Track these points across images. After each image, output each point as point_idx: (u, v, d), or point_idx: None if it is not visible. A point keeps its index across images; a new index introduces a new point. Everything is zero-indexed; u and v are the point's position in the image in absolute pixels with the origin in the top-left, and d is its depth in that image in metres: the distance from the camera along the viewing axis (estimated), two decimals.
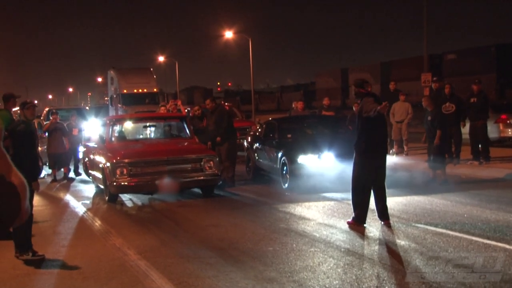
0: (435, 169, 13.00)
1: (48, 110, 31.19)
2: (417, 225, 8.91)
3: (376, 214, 9.09)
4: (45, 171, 17.91)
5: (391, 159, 9.88)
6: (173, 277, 6.77)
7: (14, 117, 10.85)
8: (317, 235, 8.58)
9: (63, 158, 17.01)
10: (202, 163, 12.52)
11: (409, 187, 12.27)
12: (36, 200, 13.73)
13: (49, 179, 17.10)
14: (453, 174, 13.72)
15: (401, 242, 7.95)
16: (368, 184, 8.92)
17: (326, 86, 55.30)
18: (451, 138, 14.75)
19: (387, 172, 9.22)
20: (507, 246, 7.40)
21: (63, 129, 17.07)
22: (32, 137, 8.44)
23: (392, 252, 7.52)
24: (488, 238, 7.82)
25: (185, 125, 14.46)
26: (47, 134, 17.17)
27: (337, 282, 6.34)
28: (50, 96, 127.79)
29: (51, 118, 17.71)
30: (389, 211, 9.12)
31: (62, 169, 17.39)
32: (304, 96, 55.11)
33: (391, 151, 16.87)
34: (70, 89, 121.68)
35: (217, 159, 12.89)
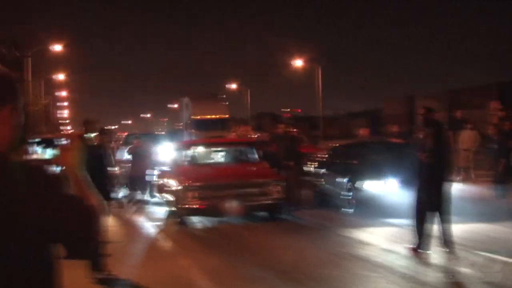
0: (500, 197, 12.89)
1: (128, 134, 32.42)
2: (481, 253, 8.90)
3: (440, 241, 9.15)
4: (123, 193, 18.62)
5: (457, 186, 9.89)
6: None
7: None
8: (380, 260, 8.72)
9: (143, 180, 17.65)
10: (269, 187, 12.83)
11: (474, 215, 12.20)
12: (111, 220, 14.32)
13: (125, 201, 17.74)
14: None
15: (465, 270, 7.99)
16: (428, 211, 8.99)
17: (393, 112, 54.78)
18: None
19: (453, 199, 9.26)
20: None
21: (145, 153, 17.80)
22: (104, 160, 9.05)
23: (455, 280, 7.58)
24: None
25: (254, 150, 14.84)
26: (131, 156, 17.91)
27: None
28: (129, 122, 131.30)
29: (134, 142, 18.55)
30: (454, 238, 9.15)
31: (140, 191, 18.07)
32: (372, 122, 54.72)
33: (457, 178, 16.75)
34: (148, 115, 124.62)
35: (285, 183, 13.16)
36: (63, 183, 2.32)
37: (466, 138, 17.66)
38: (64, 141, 2.51)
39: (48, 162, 2.53)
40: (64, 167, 2.44)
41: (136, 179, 17.58)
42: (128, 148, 18.82)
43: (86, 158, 2.57)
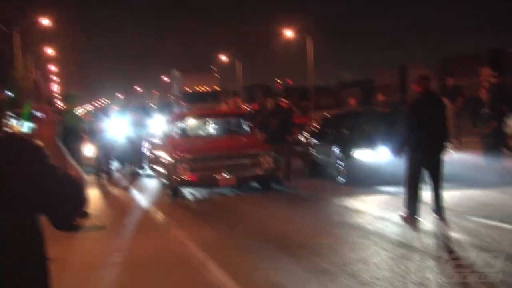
0: (491, 163, 12.94)
1: (116, 108, 32.29)
2: (471, 218, 8.95)
3: (431, 207, 9.19)
4: (115, 165, 18.64)
5: (448, 153, 9.92)
6: (230, 268, 7.05)
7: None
8: (371, 227, 8.76)
9: (139, 153, 17.60)
10: (260, 158, 12.85)
11: (465, 181, 12.26)
12: (102, 193, 14.35)
13: (118, 173, 17.76)
14: (510, 168, 13.57)
15: (455, 235, 8.04)
16: (420, 178, 9.02)
17: (385, 82, 54.81)
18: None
19: (445, 166, 9.28)
20: None
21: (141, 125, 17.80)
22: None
23: (445, 245, 7.63)
24: None
25: (245, 122, 14.84)
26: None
27: (388, 274, 6.51)
28: (119, 95, 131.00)
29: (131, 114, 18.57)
30: (444, 204, 9.19)
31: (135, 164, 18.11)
32: (363, 92, 54.74)
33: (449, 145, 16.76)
34: (138, 88, 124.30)
35: (275, 154, 13.16)
36: (46, 154, 2.32)
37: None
38: (39, 114, 2.48)
39: (27, 135, 2.50)
40: (42, 140, 2.44)
41: (133, 152, 17.60)
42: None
43: (62, 131, 2.56)
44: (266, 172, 12.84)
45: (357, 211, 10.14)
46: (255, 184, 13.52)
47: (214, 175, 12.48)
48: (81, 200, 2.39)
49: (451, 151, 16.46)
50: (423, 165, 9.03)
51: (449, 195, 10.34)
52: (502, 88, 16.10)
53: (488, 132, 13.04)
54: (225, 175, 12.45)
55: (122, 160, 20.32)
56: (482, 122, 13.38)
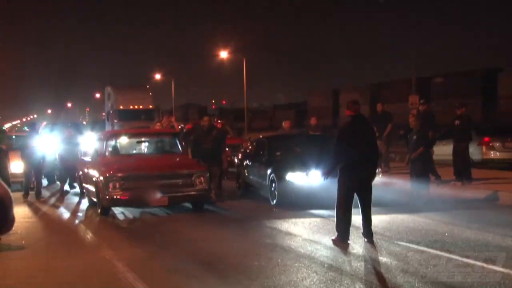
0: (419, 189, 13.30)
1: (46, 124, 31.79)
2: (399, 242, 9.15)
3: (361, 231, 9.36)
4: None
5: (376, 178, 10.17)
6: None
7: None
8: (302, 250, 8.82)
9: (72, 171, 17.12)
10: (193, 178, 12.78)
11: (393, 205, 12.54)
12: (30, 211, 13.97)
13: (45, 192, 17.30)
14: (436, 194, 14.00)
15: (383, 259, 8.19)
16: (351, 202, 9.18)
17: (318, 105, 55.72)
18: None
19: (373, 190, 9.48)
20: (485, 265, 7.64)
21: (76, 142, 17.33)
22: None
23: (374, 269, 7.75)
24: (467, 257, 8.04)
25: (178, 141, 14.76)
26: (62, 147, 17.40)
27: None
28: (49, 111, 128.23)
29: (66, 132, 18.08)
30: (373, 228, 9.37)
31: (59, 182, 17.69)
32: (296, 115, 55.46)
33: (378, 170, 17.13)
34: (69, 105, 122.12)
35: (208, 174, 13.12)
36: None
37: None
38: None
39: None
40: None
41: (67, 169, 17.21)
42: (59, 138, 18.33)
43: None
44: (198, 193, 12.77)
45: (288, 234, 10.20)
46: (187, 204, 13.43)
47: (145, 194, 12.31)
48: (4, 216, 2.35)
49: (379, 175, 16.89)
50: (354, 188, 9.19)
51: (378, 219, 10.58)
52: (429, 115, 16.74)
53: (415, 156, 13.43)
54: (157, 195, 12.30)
55: (51, 177, 19.88)
56: (410, 148, 13.77)
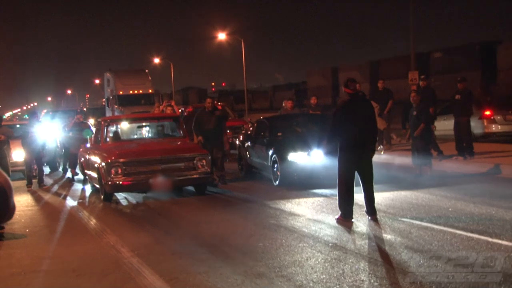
0: (421, 164, 13.29)
1: (46, 111, 31.86)
2: (403, 219, 9.15)
3: (364, 209, 9.35)
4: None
5: (378, 155, 10.17)
6: (164, 274, 6.98)
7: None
8: (306, 230, 8.83)
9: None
10: (195, 161, 12.76)
11: (396, 182, 12.54)
12: (33, 199, 13.99)
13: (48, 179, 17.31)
14: (438, 169, 14.00)
15: (388, 236, 8.19)
16: (352, 180, 9.16)
17: (317, 84, 55.55)
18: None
19: (375, 168, 9.47)
20: (489, 239, 7.63)
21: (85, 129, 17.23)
22: None
23: (378, 246, 7.75)
24: (472, 232, 8.05)
25: (178, 125, 14.73)
26: (70, 133, 17.35)
27: (324, 276, 6.57)
28: (49, 98, 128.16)
29: (76, 117, 17.93)
30: (376, 206, 9.36)
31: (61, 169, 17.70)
32: (296, 95, 55.31)
33: (379, 147, 17.12)
34: (69, 91, 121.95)
35: (209, 157, 13.10)
36: None
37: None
38: None
39: None
40: None
41: (66, 156, 17.20)
42: (67, 124, 18.27)
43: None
44: (201, 176, 12.76)
45: (292, 214, 10.20)
46: (190, 188, 13.43)
47: (148, 179, 12.32)
48: (5, 205, 2.34)
49: (382, 152, 16.90)
50: (354, 166, 9.18)
51: (381, 197, 10.58)
52: (429, 90, 16.69)
53: (417, 134, 13.41)
54: (159, 179, 12.29)
55: (53, 164, 19.90)
56: (411, 124, 13.74)
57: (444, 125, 18.18)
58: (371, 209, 9.25)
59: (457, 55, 39.11)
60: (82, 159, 15.37)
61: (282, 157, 13.16)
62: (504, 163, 13.85)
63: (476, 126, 18.47)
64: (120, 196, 13.35)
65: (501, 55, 36.87)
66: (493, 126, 19.96)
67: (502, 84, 35.64)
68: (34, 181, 16.05)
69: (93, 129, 16.65)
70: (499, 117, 20.06)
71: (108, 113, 36.20)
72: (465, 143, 15.36)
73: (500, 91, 34.22)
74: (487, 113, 19.93)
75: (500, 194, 10.84)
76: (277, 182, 13.35)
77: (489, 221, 8.67)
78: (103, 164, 12.50)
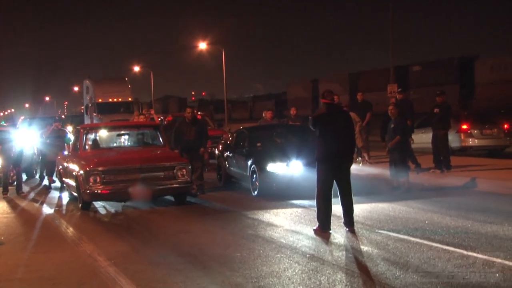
0: (398, 177, 13.40)
1: (24, 118, 31.63)
2: (380, 231, 9.22)
3: (342, 220, 9.40)
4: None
5: (356, 167, 10.24)
6: (141, 283, 6.96)
7: None
8: (284, 241, 8.85)
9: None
10: (175, 170, 12.73)
11: (374, 194, 12.63)
12: (9, 207, 13.86)
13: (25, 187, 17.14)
14: (416, 182, 14.11)
15: (365, 248, 8.25)
16: (330, 191, 9.22)
17: (297, 96, 55.84)
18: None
19: (353, 180, 9.54)
20: (465, 252, 7.71)
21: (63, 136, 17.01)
22: None
23: (355, 258, 7.80)
24: (447, 244, 8.13)
25: (159, 134, 14.68)
26: (48, 140, 17.12)
27: (301, 287, 6.60)
28: (26, 105, 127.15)
29: (54, 124, 17.64)
30: (354, 217, 9.42)
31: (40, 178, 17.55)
32: (276, 105, 55.54)
33: (358, 159, 17.21)
34: (47, 98, 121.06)
35: (190, 167, 13.07)
36: None
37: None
38: None
39: None
40: None
41: (43, 164, 17.04)
42: (44, 131, 18.08)
43: None
44: (181, 185, 12.72)
45: (270, 224, 10.22)
46: (169, 197, 13.40)
47: (127, 188, 12.25)
48: None
49: (360, 164, 17.01)
50: (333, 176, 9.24)
51: (359, 208, 10.64)
52: (407, 103, 16.85)
53: (391, 146, 13.48)
54: (139, 188, 12.24)
55: (30, 171, 19.71)
56: (389, 137, 13.84)
57: (422, 138, 18.36)
58: (349, 221, 9.30)
59: (435, 69, 39.63)
60: (60, 166, 15.26)
61: (261, 167, 13.20)
62: (481, 177, 14.01)
63: (453, 140, 18.72)
64: (99, 204, 13.27)
65: (479, 70, 37.38)
66: (470, 140, 20.24)
67: (480, 98, 36.14)
68: (11, 188, 15.90)
69: (71, 137, 16.52)
70: (476, 131, 20.33)
71: (87, 121, 35.98)
72: (442, 156, 15.52)
73: (477, 105, 34.68)
74: (465, 127, 20.20)
75: (476, 207, 10.97)
76: (255, 192, 13.37)
77: (464, 234, 8.76)
78: (82, 172, 12.43)
